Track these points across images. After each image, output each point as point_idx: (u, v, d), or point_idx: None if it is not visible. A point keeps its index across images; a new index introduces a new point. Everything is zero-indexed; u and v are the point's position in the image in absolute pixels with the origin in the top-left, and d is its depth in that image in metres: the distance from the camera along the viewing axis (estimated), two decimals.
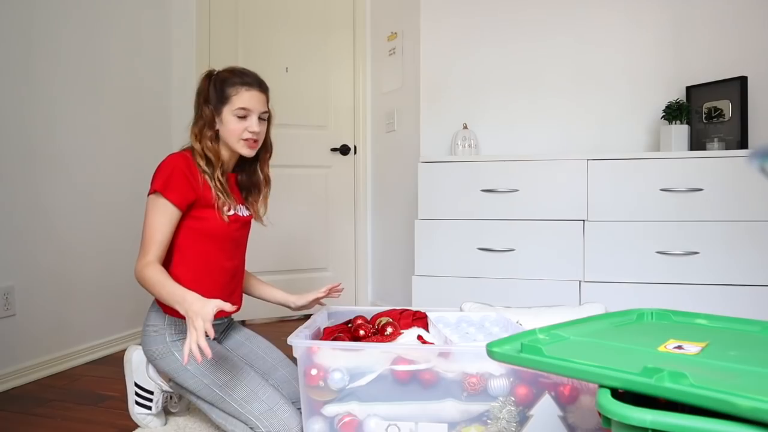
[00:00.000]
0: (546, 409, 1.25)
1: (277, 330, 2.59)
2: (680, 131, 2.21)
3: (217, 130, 1.52)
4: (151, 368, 1.58)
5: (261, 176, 1.64)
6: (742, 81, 2.14)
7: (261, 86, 1.54)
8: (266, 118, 1.56)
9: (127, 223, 2.48)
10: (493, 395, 1.27)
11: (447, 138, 2.61)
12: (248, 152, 1.54)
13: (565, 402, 1.26)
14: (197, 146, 1.50)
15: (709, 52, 2.31)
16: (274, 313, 3.04)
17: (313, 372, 1.32)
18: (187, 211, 1.47)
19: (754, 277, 1.93)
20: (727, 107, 2.17)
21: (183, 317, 1.42)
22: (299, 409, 1.45)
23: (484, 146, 2.59)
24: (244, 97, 1.49)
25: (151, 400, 1.60)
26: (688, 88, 2.31)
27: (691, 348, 0.83)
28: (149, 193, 1.45)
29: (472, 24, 2.63)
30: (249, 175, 1.64)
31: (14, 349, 2.02)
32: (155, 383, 1.59)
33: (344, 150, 3.15)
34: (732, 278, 1.95)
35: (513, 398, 1.26)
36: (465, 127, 2.52)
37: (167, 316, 1.49)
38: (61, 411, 1.77)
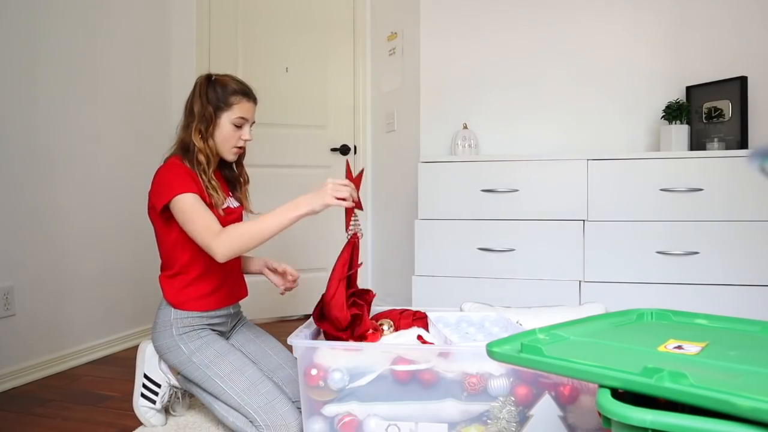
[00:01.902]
0: (546, 409, 1.25)
1: (278, 330, 2.58)
2: (680, 131, 2.21)
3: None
4: (163, 362, 1.63)
5: (240, 176, 1.72)
6: (742, 81, 2.14)
7: (255, 99, 1.63)
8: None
9: (127, 224, 2.48)
10: (493, 395, 1.26)
11: (447, 138, 2.61)
12: (232, 158, 1.63)
13: (565, 402, 1.26)
14: (201, 145, 1.54)
15: (709, 52, 2.31)
16: (274, 313, 3.04)
17: (313, 372, 1.32)
18: None
19: (754, 277, 1.93)
20: (727, 107, 2.17)
21: (191, 308, 1.53)
22: (299, 408, 1.46)
23: (484, 146, 2.59)
24: (245, 107, 1.58)
25: (156, 394, 1.62)
26: (688, 88, 2.31)
27: (691, 348, 0.83)
28: (166, 201, 1.46)
29: (472, 24, 2.63)
30: (230, 171, 1.71)
31: (14, 349, 2.02)
32: (164, 377, 1.63)
33: (344, 150, 3.15)
34: (732, 278, 1.95)
35: (513, 398, 1.26)
36: (465, 127, 2.52)
37: (174, 310, 1.54)
38: (60, 411, 1.77)
